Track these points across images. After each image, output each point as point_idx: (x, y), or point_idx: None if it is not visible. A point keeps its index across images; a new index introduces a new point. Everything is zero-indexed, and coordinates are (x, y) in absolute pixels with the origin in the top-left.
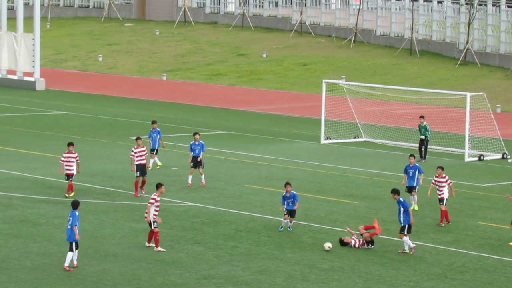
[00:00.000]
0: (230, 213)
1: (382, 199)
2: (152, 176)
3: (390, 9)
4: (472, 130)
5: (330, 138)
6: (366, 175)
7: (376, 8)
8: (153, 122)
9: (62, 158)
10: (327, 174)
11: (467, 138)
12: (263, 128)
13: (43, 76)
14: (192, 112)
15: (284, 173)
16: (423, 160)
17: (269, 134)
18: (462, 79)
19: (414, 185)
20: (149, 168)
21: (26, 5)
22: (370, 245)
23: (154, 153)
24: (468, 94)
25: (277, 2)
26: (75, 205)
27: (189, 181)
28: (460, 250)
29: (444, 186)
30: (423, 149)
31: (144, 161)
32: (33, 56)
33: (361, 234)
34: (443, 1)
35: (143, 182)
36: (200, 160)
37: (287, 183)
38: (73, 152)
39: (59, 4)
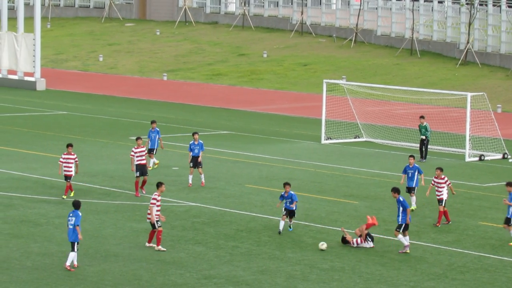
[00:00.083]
0: (231, 213)
1: (383, 199)
2: (153, 176)
3: (390, 9)
4: (473, 130)
5: (330, 138)
6: (367, 175)
7: (376, 8)
8: (153, 122)
9: (61, 159)
10: (328, 174)
11: (467, 138)
12: (263, 128)
13: (43, 76)
14: (192, 112)
15: (284, 173)
16: (424, 160)
17: (270, 134)
18: (462, 79)
19: (413, 185)
20: (150, 168)
21: (26, 5)
22: (370, 240)
23: (153, 153)
24: (469, 94)
25: (277, 2)
26: (77, 205)
27: (190, 181)
28: (460, 250)
29: (443, 187)
30: (423, 149)
31: (144, 161)
32: (34, 56)
33: (360, 235)
34: (444, 1)
35: (144, 182)
36: (200, 160)
37: (286, 183)
38: (72, 153)
39: (59, 4)
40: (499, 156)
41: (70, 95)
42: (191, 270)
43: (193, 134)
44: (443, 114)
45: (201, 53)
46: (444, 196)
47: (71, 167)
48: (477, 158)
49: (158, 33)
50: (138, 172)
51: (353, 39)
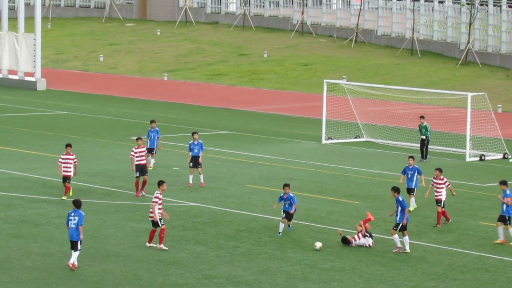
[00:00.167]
0: (231, 213)
1: (383, 199)
2: (153, 176)
3: (391, 9)
4: (473, 130)
5: (331, 138)
6: (367, 175)
7: (377, 8)
8: (152, 122)
9: (60, 159)
10: (328, 174)
11: (468, 138)
12: (264, 128)
13: (44, 76)
14: (193, 112)
15: (285, 173)
16: (424, 160)
17: (270, 134)
18: (463, 79)
19: (413, 186)
20: (150, 168)
21: (27, 5)
22: (369, 236)
23: (153, 153)
24: (469, 94)
25: (278, 2)
26: (78, 204)
27: (190, 181)
28: (461, 250)
29: (442, 188)
30: (424, 149)
31: (144, 161)
32: (34, 56)
33: (360, 231)
34: (444, 1)
35: (144, 182)
36: (200, 160)
37: (285, 185)
38: (71, 153)
39: (60, 4)
40: (500, 156)
41: (70, 95)
42: (191, 270)
43: (193, 134)
44: (443, 114)
45: (201, 53)
46: (443, 197)
47: (70, 167)
48: (477, 158)
49: (158, 33)
50: (137, 172)
51: (354, 39)
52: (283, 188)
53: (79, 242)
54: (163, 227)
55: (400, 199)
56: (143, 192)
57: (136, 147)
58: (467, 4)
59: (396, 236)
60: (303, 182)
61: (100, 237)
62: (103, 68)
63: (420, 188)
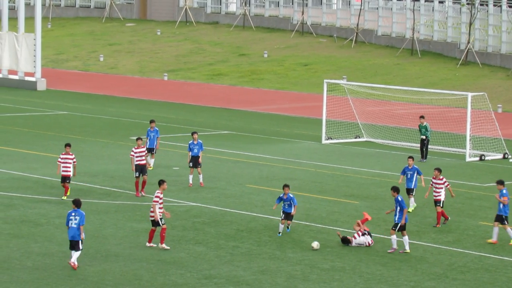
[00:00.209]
0: (231, 213)
1: (383, 199)
2: (153, 176)
3: (391, 9)
4: (473, 130)
5: (331, 138)
6: (368, 175)
7: (377, 8)
8: (151, 122)
9: (59, 159)
10: (328, 174)
11: (468, 138)
12: (264, 128)
13: (44, 76)
14: (193, 112)
15: (285, 173)
16: (424, 160)
17: (271, 134)
18: (463, 79)
19: (412, 187)
20: (150, 168)
21: (27, 5)
22: (368, 234)
23: (153, 153)
24: (469, 94)
25: (278, 2)
26: (79, 203)
27: (190, 181)
28: (461, 250)
29: (441, 188)
30: (424, 149)
31: (143, 161)
32: (34, 56)
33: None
34: (444, 1)
35: (144, 183)
36: (200, 160)
37: (285, 185)
38: (70, 153)
39: (60, 4)
40: (500, 156)
41: (70, 95)
42: (191, 270)
43: (192, 133)
44: (443, 114)
45: (201, 53)
46: (442, 197)
47: (69, 167)
48: (477, 158)
49: (158, 33)
50: (137, 173)
51: (354, 39)
52: (283, 188)
53: (80, 241)
54: (164, 226)
55: (399, 199)
56: (143, 193)
57: (136, 147)
58: (467, 4)
59: (394, 237)
60: (303, 182)
61: (100, 237)
62: (103, 68)
63: (419, 188)
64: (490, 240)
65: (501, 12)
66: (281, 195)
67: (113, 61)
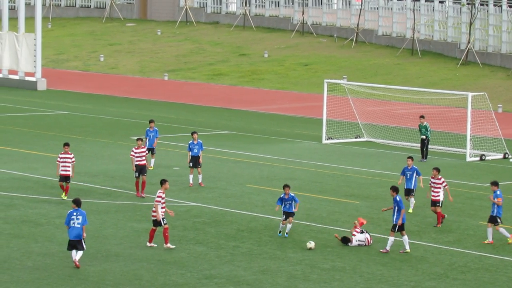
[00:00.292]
0: (232, 213)
1: (384, 199)
2: (154, 176)
3: (391, 9)
4: (474, 130)
5: (331, 138)
6: (368, 175)
7: (377, 8)
8: (151, 121)
9: (58, 159)
10: (329, 174)
11: (468, 138)
12: (264, 128)
13: (44, 76)
14: (193, 112)
15: (285, 173)
16: (425, 160)
17: (271, 134)
18: (463, 79)
19: (412, 187)
20: (151, 168)
21: (27, 5)
22: (365, 232)
23: (153, 153)
24: (470, 94)
25: (278, 2)
26: (79, 202)
27: (190, 181)
28: (461, 250)
29: (440, 188)
30: (424, 149)
31: (143, 162)
32: (35, 56)
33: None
34: (445, 1)
35: (143, 183)
36: (200, 160)
37: (286, 186)
38: (69, 152)
39: (60, 4)
40: (500, 156)
41: (71, 95)
42: (192, 270)
43: (192, 133)
44: (444, 114)
45: (202, 53)
46: (441, 197)
47: (68, 166)
48: (478, 158)
49: (159, 33)
50: (137, 173)
51: (354, 39)
52: (283, 189)
53: (83, 240)
54: (166, 226)
55: (398, 199)
56: (143, 194)
57: (136, 147)
58: (468, 4)
59: (391, 238)
60: (303, 182)
61: (100, 237)
62: (103, 68)
63: (418, 188)
64: (486, 241)
65: (501, 12)
66: (282, 195)
67: (113, 61)
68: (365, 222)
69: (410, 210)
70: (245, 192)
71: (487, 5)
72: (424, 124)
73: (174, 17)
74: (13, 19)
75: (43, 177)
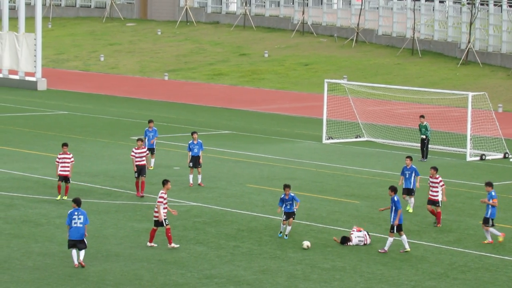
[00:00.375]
0: (232, 213)
1: (384, 199)
2: (154, 176)
3: (392, 9)
4: (474, 129)
5: (332, 138)
6: (368, 174)
7: (378, 8)
8: (150, 121)
9: (57, 159)
10: (329, 174)
11: (468, 137)
12: (265, 128)
13: (44, 76)
14: (194, 112)
15: (286, 173)
16: (425, 160)
17: (271, 134)
18: (463, 78)
19: (411, 187)
20: (151, 168)
21: (27, 5)
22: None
23: (153, 153)
24: (470, 94)
25: (279, 2)
26: (80, 202)
27: (191, 181)
28: (461, 250)
29: (437, 187)
30: (424, 149)
31: (143, 162)
32: (35, 56)
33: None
34: (445, 1)
35: (142, 184)
36: (201, 160)
37: (286, 186)
38: (68, 153)
39: (60, 4)
40: (500, 155)
41: (71, 95)
42: (192, 270)
43: (192, 133)
44: (444, 114)
45: (202, 53)
46: (439, 197)
47: (68, 166)
48: (478, 158)
49: (159, 33)
50: (136, 173)
51: (354, 39)
52: (284, 189)
53: (84, 239)
54: (168, 227)
55: (396, 199)
56: (142, 193)
57: (136, 147)
58: (468, 3)
59: (390, 239)
60: (304, 182)
61: (100, 237)
62: (103, 68)
63: (418, 188)
64: (486, 241)
65: (501, 11)
66: (282, 195)
67: (113, 61)
68: (362, 229)
69: (410, 210)
70: (245, 192)
71: (487, 4)
72: (424, 124)
73: (174, 17)
74: (13, 19)
75: (43, 177)
